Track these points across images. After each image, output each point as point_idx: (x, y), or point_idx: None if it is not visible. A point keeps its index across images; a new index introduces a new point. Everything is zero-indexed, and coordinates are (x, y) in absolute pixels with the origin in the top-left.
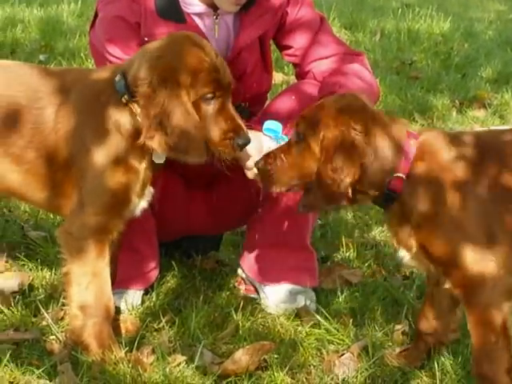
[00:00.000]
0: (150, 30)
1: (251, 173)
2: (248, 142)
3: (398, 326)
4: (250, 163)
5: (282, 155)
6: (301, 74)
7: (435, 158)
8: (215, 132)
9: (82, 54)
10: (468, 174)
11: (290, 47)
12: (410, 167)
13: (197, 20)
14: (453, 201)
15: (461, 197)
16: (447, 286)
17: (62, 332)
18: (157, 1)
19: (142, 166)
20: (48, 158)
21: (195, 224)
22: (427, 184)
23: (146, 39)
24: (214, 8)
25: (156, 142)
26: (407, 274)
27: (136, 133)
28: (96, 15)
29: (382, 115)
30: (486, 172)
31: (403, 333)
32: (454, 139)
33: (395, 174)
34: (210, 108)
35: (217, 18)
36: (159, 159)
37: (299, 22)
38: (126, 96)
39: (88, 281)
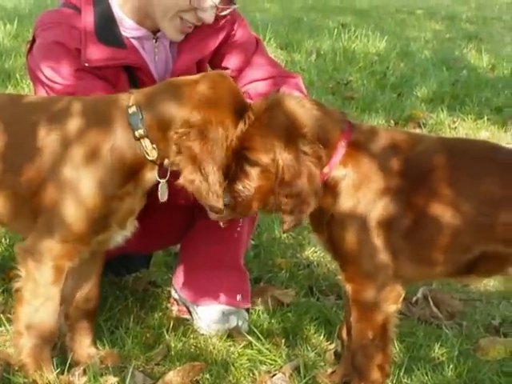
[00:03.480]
0: (91, 55)
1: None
2: None
3: (330, 346)
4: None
5: (246, 184)
6: None
7: (357, 165)
8: None
9: (17, 75)
10: (382, 181)
11: (225, 69)
12: (331, 170)
13: (136, 44)
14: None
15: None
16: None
17: None
18: (96, 26)
19: (133, 198)
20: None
21: (128, 244)
22: (341, 189)
23: (87, 65)
24: (153, 31)
25: (195, 186)
26: (340, 294)
27: (136, 165)
28: (34, 40)
29: (317, 119)
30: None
31: (335, 353)
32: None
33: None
34: None
35: (156, 42)
36: (163, 197)
37: (236, 43)
38: (140, 131)
39: (40, 303)
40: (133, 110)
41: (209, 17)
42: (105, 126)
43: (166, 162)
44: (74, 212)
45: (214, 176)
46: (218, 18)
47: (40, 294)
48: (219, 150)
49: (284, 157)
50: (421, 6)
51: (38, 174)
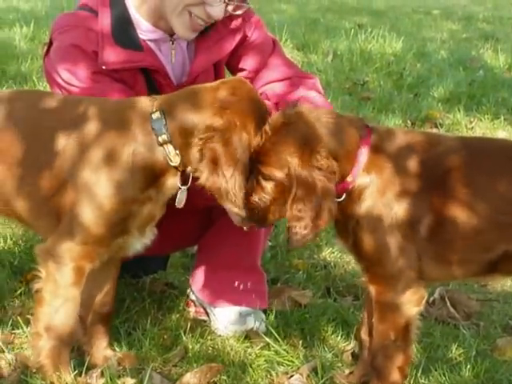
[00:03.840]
0: (108, 58)
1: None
2: None
3: (347, 347)
4: None
5: (262, 197)
6: None
7: (380, 170)
8: None
9: (33, 78)
10: (404, 184)
11: (242, 70)
12: (355, 179)
13: (153, 46)
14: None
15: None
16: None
17: (12, 355)
18: (113, 29)
19: (154, 205)
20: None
21: None
22: (366, 195)
23: (104, 67)
24: (170, 33)
25: (216, 187)
26: (357, 294)
27: (158, 171)
28: (51, 43)
29: (333, 132)
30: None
31: (353, 354)
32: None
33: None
34: None
35: (173, 44)
36: (180, 203)
37: (252, 45)
38: (164, 137)
39: (59, 304)
40: (157, 115)
41: (217, 12)
42: (127, 130)
43: (189, 168)
44: (93, 214)
45: (236, 179)
46: (232, 18)
47: (60, 295)
48: (242, 154)
49: (298, 173)
50: (437, 7)
51: (58, 175)
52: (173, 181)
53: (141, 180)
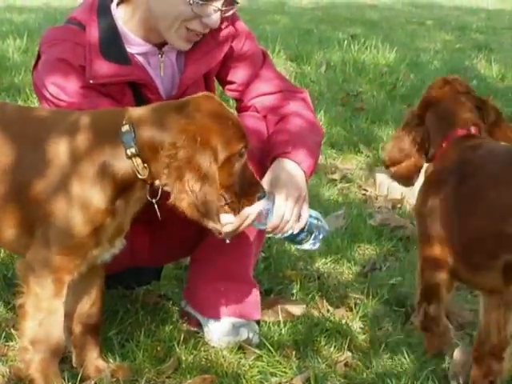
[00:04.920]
0: (95, 72)
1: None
2: (265, 194)
3: (340, 358)
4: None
5: None
6: (242, 109)
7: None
8: (244, 185)
9: (27, 90)
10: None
11: (232, 82)
12: None
13: (142, 60)
14: None
15: None
16: None
17: (6, 367)
18: (101, 43)
19: (123, 216)
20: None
21: (139, 257)
22: None
23: (91, 81)
24: (159, 46)
25: (185, 204)
26: (351, 305)
27: (127, 183)
28: (39, 57)
29: None
30: None
31: (346, 364)
32: None
33: None
34: (241, 162)
35: (162, 57)
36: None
37: (243, 57)
38: (133, 150)
39: (42, 317)
40: (126, 128)
41: (214, 22)
42: (97, 142)
43: (157, 182)
44: (67, 226)
45: (205, 192)
46: (221, 29)
47: (42, 308)
48: (208, 169)
49: None
50: (431, 17)
51: (29, 189)
52: (141, 193)
53: (111, 192)
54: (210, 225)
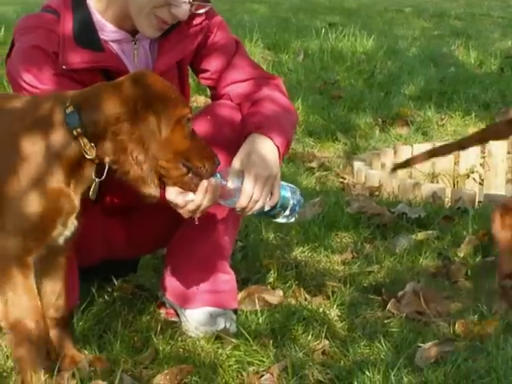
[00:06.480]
0: (68, 58)
1: None
2: (219, 162)
3: (318, 346)
4: None
5: None
6: (217, 97)
7: None
8: (195, 152)
9: (4, 82)
10: None
11: (206, 71)
12: None
13: (115, 47)
14: None
15: None
16: None
17: None
18: (75, 30)
19: (74, 197)
20: None
21: (115, 249)
22: None
23: (64, 67)
24: (132, 33)
25: (134, 177)
26: (328, 293)
27: (76, 163)
28: (13, 44)
29: None
30: None
31: (323, 352)
32: None
33: None
34: (190, 129)
35: (135, 44)
36: (93, 195)
37: (216, 45)
38: (79, 129)
39: (17, 300)
40: (70, 109)
41: (182, 13)
42: (43, 125)
43: (106, 159)
44: (23, 209)
45: (148, 163)
46: (194, 17)
47: (13, 292)
48: (152, 138)
49: None
50: (410, 4)
51: None
52: (89, 172)
53: (61, 173)
54: (149, 194)
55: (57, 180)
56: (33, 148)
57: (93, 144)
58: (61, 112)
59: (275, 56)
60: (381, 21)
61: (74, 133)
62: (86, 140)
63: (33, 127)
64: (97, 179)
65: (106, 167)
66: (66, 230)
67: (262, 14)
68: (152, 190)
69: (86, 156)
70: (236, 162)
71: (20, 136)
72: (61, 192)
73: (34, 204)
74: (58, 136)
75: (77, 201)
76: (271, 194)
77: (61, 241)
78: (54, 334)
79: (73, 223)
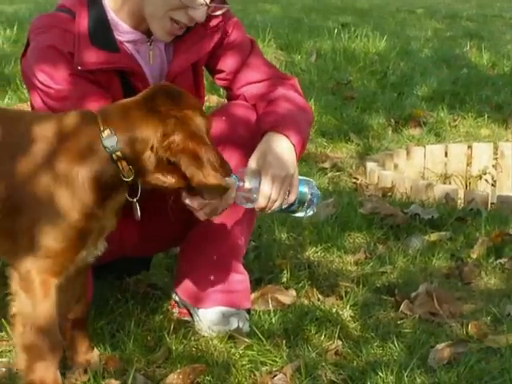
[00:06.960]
0: (83, 59)
1: None
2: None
3: (331, 346)
4: None
5: None
6: (232, 98)
7: None
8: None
9: (17, 81)
10: None
11: (221, 71)
12: None
13: (131, 48)
14: None
15: None
16: None
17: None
18: (90, 31)
19: (106, 219)
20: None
21: (128, 248)
22: None
23: (80, 68)
24: (148, 34)
25: (213, 178)
26: (341, 293)
27: (111, 187)
28: (28, 44)
29: None
30: None
31: (336, 353)
32: None
33: None
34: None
35: (151, 45)
36: (137, 215)
37: (231, 46)
38: (119, 153)
39: (33, 322)
40: (107, 132)
41: (200, 16)
42: (81, 148)
43: (139, 181)
44: (54, 230)
45: (217, 158)
46: (211, 18)
47: (33, 313)
48: (205, 135)
49: None
50: (422, 5)
51: (10, 197)
52: (123, 195)
53: (96, 197)
54: (218, 186)
55: (91, 205)
56: (69, 173)
57: (131, 167)
58: (96, 134)
59: (288, 56)
60: (393, 22)
61: (114, 157)
62: (125, 163)
63: (68, 151)
64: (134, 199)
65: (139, 188)
66: (96, 251)
67: (274, 14)
68: (223, 181)
69: (124, 179)
70: (252, 163)
71: (55, 160)
72: (94, 216)
73: (66, 228)
74: (95, 161)
75: (109, 222)
76: (289, 192)
77: (90, 260)
78: (71, 334)
79: (103, 244)
